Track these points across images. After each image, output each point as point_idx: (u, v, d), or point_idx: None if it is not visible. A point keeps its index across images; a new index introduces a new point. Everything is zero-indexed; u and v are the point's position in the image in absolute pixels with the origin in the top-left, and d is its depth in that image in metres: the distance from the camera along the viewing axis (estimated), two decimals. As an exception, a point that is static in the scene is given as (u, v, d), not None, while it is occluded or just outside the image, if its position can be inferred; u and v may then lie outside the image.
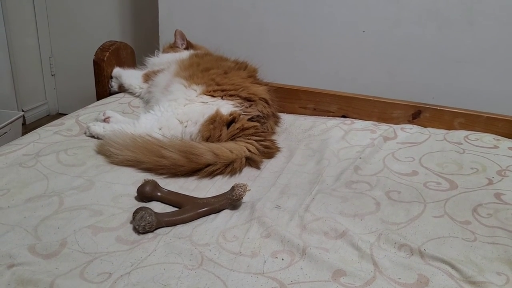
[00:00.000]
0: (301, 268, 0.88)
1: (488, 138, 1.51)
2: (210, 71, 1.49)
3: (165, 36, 2.05)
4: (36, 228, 0.94)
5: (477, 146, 1.46)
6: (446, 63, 1.85)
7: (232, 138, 1.35)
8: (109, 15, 2.79)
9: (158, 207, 1.06)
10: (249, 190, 1.09)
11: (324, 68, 1.99)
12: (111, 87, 1.79)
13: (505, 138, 1.52)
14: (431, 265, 0.90)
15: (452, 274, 0.87)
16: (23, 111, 2.79)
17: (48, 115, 3.13)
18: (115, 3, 2.76)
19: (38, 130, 1.38)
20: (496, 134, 1.55)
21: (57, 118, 1.50)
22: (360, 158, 1.36)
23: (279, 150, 1.42)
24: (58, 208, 1.01)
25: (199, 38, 1.92)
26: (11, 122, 2.38)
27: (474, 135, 1.53)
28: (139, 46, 2.18)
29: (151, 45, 1.98)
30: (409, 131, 1.57)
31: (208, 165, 1.22)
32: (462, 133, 1.55)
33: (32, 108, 3.01)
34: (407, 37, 1.86)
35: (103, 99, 1.70)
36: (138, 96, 1.72)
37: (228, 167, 1.25)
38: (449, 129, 1.61)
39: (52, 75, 3.09)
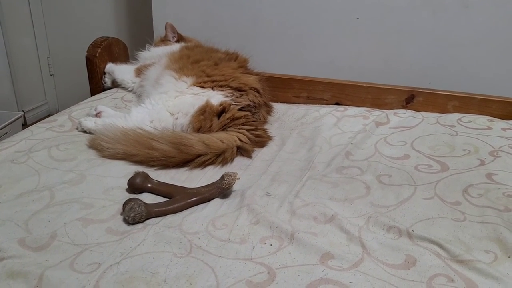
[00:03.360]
0: (289, 253, 0.88)
1: (482, 120, 1.50)
2: (200, 62, 1.49)
3: (159, 30, 2.05)
4: (27, 222, 0.95)
5: (470, 128, 1.45)
6: (442, 47, 1.84)
7: (223, 128, 1.35)
8: (104, 12, 2.80)
9: (149, 198, 1.07)
10: (238, 178, 1.09)
11: (319, 57, 1.99)
12: (105, 83, 1.80)
13: (498, 119, 1.52)
14: (419, 246, 0.90)
15: (440, 253, 0.87)
16: (23, 111, 2.81)
17: (49, 115, 3.15)
18: (110, 0, 2.77)
19: (31, 127, 1.39)
20: (490, 116, 1.55)
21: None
22: (352, 143, 1.36)
23: (271, 139, 1.43)
24: (49, 202, 1.02)
25: (193, 31, 1.92)
26: (10, 123, 2.41)
27: (467, 117, 1.53)
28: (135, 42, 2.18)
29: (147, 41, 1.98)
30: (402, 116, 1.57)
31: (199, 155, 1.23)
32: (455, 116, 1.54)
33: (33, 108, 3.04)
34: (402, 23, 1.85)
35: (96, 95, 1.71)
36: (131, 91, 1.73)
37: (219, 157, 1.25)
38: (443, 113, 1.61)
39: (51, 75, 3.11)
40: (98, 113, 1.44)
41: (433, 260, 0.86)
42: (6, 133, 2.36)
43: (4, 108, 2.64)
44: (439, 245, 0.89)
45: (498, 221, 0.97)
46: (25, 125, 2.82)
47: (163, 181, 1.13)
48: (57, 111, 3.16)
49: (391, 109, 1.66)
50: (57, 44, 3.01)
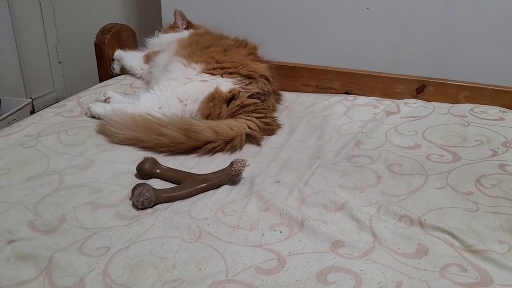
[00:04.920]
0: (299, 240, 0.88)
1: (494, 111, 1.49)
2: (210, 48, 1.48)
3: (168, 17, 2.03)
4: (36, 206, 0.95)
5: (482, 118, 1.44)
6: (453, 38, 1.81)
7: (232, 115, 1.34)
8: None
9: (157, 184, 1.06)
10: (248, 165, 1.08)
11: (328, 46, 1.96)
12: (113, 69, 1.80)
13: (511, 110, 1.49)
14: (431, 235, 0.89)
15: (452, 243, 0.86)
16: (31, 98, 2.81)
17: (57, 102, 3.15)
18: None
19: (40, 112, 1.39)
20: (502, 107, 1.52)
21: (65, 105, 1.51)
22: (362, 132, 1.35)
23: (280, 127, 1.41)
24: (58, 186, 1.02)
25: (201, 18, 1.91)
26: (19, 109, 2.41)
27: (479, 108, 1.51)
28: (144, 29, 2.17)
29: (155, 28, 1.97)
30: (412, 106, 1.55)
31: (208, 142, 1.22)
32: (467, 106, 1.53)
33: (41, 95, 3.03)
34: (413, 13, 1.81)
35: (105, 81, 1.71)
36: (139, 78, 1.72)
37: (228, 144, 1.24)
38: (454, 103, 1.58)
39: (59, 63, 3.10)
40: (107, 98, 1.44)
41: (446, 250, 0.85)
42: (15, 119, 2.37)
43: (12, 95, 2.65)
44: (452, 234, 0.88)
45: (511, 211, 0.96)
46: (33, 112, 2.82)
47: (172, 167, 1.12)
48: (65, 98, 3.17)
49: (401, 98, 1.64)
50: (65, 32, 3.00)
